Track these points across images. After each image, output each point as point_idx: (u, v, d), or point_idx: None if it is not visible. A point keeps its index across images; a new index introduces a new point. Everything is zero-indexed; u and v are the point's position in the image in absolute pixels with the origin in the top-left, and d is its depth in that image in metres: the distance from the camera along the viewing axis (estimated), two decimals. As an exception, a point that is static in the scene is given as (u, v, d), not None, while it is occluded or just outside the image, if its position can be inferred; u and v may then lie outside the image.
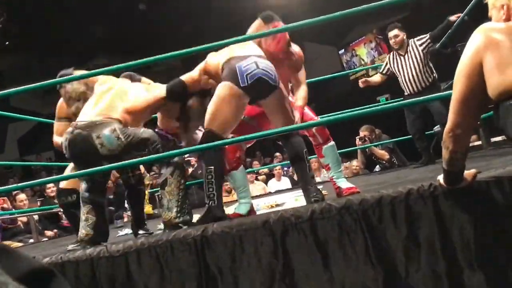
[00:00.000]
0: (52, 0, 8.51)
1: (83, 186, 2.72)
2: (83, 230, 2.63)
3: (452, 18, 4.33)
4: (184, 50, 2.70)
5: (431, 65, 4.47)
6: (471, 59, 1.66)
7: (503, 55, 1.60)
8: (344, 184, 2.86)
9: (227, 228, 2.09)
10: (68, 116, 3.21)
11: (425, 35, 4.46)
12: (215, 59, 2.79)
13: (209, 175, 2.56)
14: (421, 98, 2.97)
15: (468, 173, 1.87)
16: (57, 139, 3.33)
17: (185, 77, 2.89)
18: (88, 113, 2.71)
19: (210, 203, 2.54)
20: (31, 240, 5.22)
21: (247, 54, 2.65)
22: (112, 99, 2.79)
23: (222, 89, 2.58)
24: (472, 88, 1.66)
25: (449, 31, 4.42)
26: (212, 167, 2.56)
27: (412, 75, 4.41)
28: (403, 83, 4.50)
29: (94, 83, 2.95)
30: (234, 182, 2.98)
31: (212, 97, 2.68)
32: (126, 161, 2.63)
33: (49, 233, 5.77)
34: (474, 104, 1.69)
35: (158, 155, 2.60)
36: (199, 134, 3.29)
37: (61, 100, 3.29)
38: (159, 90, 2.91)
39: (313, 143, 3.00)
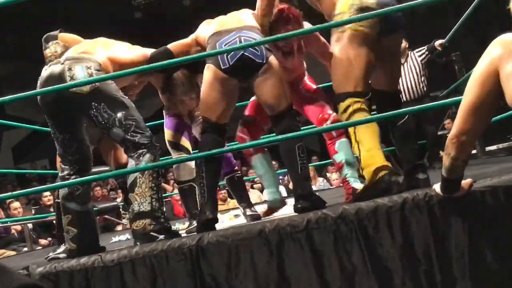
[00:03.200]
0: (48, 9, 8.52)
1: (61, 192, 2.48)
2: (67, 243, 2.46)
3: (437, 44, 4.52)
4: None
5: (426, 76, 4.63)
6: (486, 68, 1.65)
7: None
8: (358, 185, 2.58)
9: (222, 237, 2.08)
10: None
11: (423, 47, 4.67)
12: (204, 30, 2.62)
13: (201, 172, 2.46)
14: (417, 107, 2.90)
15: (464, 182, 1.87)
16: None
17: (174, 46, 2.73)
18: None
19: (202, 201, 2.44)
20: (25, 249, 5.19)
21: (232, 27, 2.46)
22: (95, 45, 2.61)
23: (206, 72, 2.46)
24: (484, 97, 1.66)
25: (444, 41, 4.52)
26: (204, 167, 2.44)
27: (410, 84, 4.54)
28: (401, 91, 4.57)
29: (73, 45, 2.73)
30: (256, 169, 2.77)
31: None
32: (112, 172, 2.55)
33: (43, 241, 5.74)
34: (484, 112, 1.69)
35: (152, 164, 2.37)
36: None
37: None
38: (146, 50, 2.72)
39: (326, 138, 2.77)
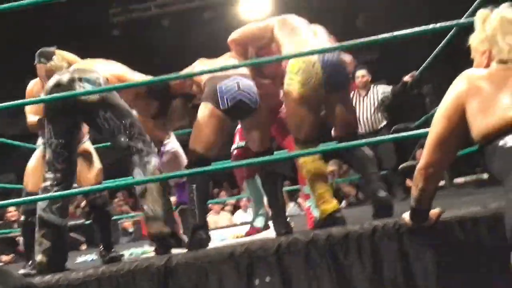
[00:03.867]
0: (31, 21, 8.43)
1: (40, 204, 2.47)
2: (38, 255, 2.42)
3: (407, 78, 4.66)
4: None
5: (384, 114, 4.75)
6: (452, 102, 1.69)
7: (485, 100, 1.62)
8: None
9: (191, 259, 2.06)
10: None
11: (389, 87, 4.81)
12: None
13: (191, 193, 2.53)
14: (377, 138, 2.97)
15: (433, 212, 1.90)
16: (32, 118, 3.18)
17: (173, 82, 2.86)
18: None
19: (194, 222, 2.50)
20: (-14, 265, 5.01)
21: (230, 73, 2.64)
22: (97, 63, 2.72)
23: (203, 110, 2.59)
24: (451, 130, 1.70)
25: (417, 72, 4.63)
26: (194, 185, 2.53)
27: (366, 117, 4.67)
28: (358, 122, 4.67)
29: (73, 63, 2.85)
30: (249, 191, 2.97)
31: (194, 102, 2.76)
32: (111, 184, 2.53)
33: (5, 258, 5.57)
34: (451, 145, 1.73)
35: (149, 177, 2.44)
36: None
37: (30, 84, 3.23)
38: (146, 77, 2.83)
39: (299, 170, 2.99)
